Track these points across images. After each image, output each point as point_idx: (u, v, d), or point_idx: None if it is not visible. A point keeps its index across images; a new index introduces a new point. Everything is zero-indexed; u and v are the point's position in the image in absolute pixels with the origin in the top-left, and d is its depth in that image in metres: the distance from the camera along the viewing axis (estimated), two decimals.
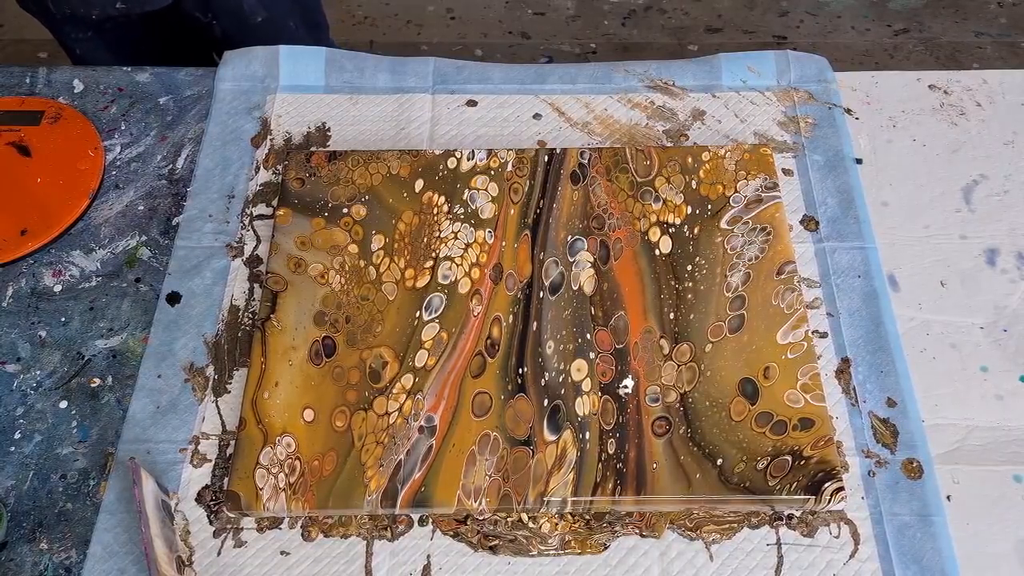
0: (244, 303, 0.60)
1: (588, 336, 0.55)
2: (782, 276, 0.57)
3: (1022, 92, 0.71)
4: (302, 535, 0.51)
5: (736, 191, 0.61)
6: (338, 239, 0.60)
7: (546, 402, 0.53)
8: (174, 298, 0.60)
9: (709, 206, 0.61)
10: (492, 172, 0.62)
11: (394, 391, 0.53)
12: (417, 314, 0.56)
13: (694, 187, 0.61)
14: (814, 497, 0.49)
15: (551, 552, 0.50)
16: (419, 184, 0.62)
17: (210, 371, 0.57)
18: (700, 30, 1.63)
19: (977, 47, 1.69)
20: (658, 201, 0.61)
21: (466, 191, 0.62)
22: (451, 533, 0.51)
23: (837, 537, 0.51)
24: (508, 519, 0.51)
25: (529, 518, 0.51)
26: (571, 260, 0.58)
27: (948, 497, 0.52)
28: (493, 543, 0.51)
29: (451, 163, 0.63)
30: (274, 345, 0.55)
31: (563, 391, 0.53)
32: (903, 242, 0.63)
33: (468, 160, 0.63)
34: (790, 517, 0.51)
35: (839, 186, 0.64)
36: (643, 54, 1.57)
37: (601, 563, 0.50)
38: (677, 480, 0.50)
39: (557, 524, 0.51)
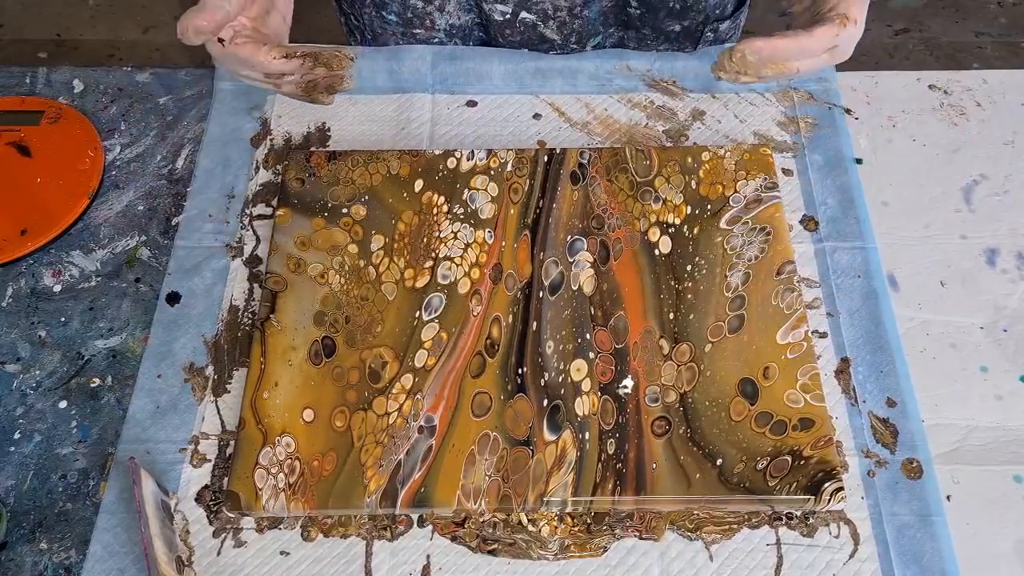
0: (244, 303, 0.60)
1: (588, 336, 0.55)
2: (782, 276, 0.57)
3: (1022, 92, 0.71)
4: (302, 535, 0.51)
5: (736, 191, 0.61)
6: (338, 239, 0.60)
7: (546, 402, 0.53)
8: (174, 298, 0.60)
9: (709, 206, 0.61)
10: (492, 172, 0.62)
11: (394, 391, 0.53)
12: (417, 314, 0.56)
13: (694, 187, 0.61)
14: (814, 497, 0.49)
15: (550, 556, 0.50)
16: (419, 184, 0.62)
17: (210, 371, 0.57)
18: None
19: (977, 47, 1.69)
20: (658, 201, 0.61)
21: (466, 191, 0.62)
22: (449, 536, 0.51)
23: (837, 537, 0.51)
24: (507, 521, 0.51)
25: (528, 521, 0.51)
26: (571, 260, 0.58)
27: (948, 497, 0.52)
28: (492, 547, 0.51)
29: (451, 163, 0.63)
30: (274, 345, 0.55)
31: (563, 391, 0.53)
32: (903, 242, 0.63)
33: (468, 160, 0.63)
34: (790, 517, 0.51)
35: (839, 186, 0.64)
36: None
37: (601, 563, 0.50)
38: (677, 480, 0.50)
39: (556, 527, 0.51)
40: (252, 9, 0.61)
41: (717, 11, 0.73)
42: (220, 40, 0.59)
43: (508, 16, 0.71)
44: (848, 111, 0.69)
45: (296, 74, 0.63)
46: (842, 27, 0.57)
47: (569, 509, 0.51)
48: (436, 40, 0.75)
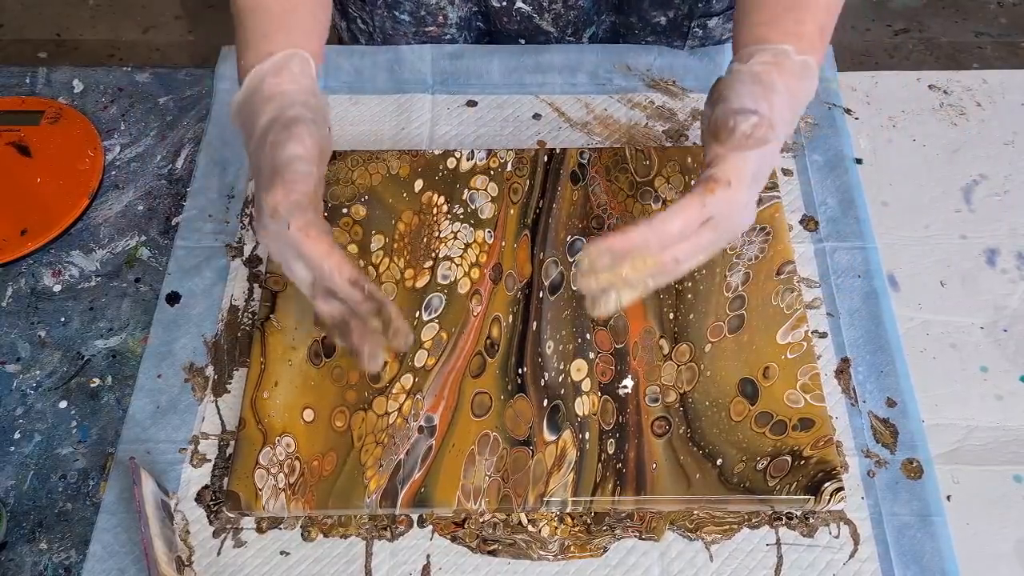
0: (244, 303, 0.60)
1: (588, 336, 0.55)
2: (782, 276, 0.57)
3: (1022, 92, 0.71)
4: (302, 535, 0.51)
5: None
6: (338, 239, 0.59)
7: (546, 402, 0.53)
8: (174, 298, 0.60)
9: None
10: (492, 172, 0.62)
11: (394, 391, 0.53)
12: (417, 314, 0.56)
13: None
14: (814, 497, 0.49)
15: (550, 557, 0.50)
16: (419, 184, 0.62)
17: (210, 371, 0.57)
18: None
19: (977, 47, 1.69)
20: (658, 201, 0.61)
21: (466, 191, 0.62)
22: (449, 537, 0.51)
23: (837, 537, 0.51)
24: (507, 522, 0.51)
25: (528, 521, 0.51)
26: (571, 260, 0.58)
27: (948, 497, 0.52)
28: (492, 547, 0.51)
29: (451, 163, 0.63)
30: (274, 345, 0.55)
31: (563, 391, 0.53)
32: (903, 242, 0.63)
33: (468, 160, 0.63)
34: (790, 517, 0.51)
35: (839, 186, 0.64)
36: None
37: (601, 563, 0.50)
38: (677, 480, 0.50)
39: (556, 528, 0.51)
40: (317, 171, 0.47)
41: (700, 4, 0.72)
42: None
43: (504, 3, 0.71)
44: (848, 111, 0.69)
45: (347, 305, 0.47)
46: (708, 193, 0.44)
47: (569, 509, 0.51)
48: (448, 37, 0.75)
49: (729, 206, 0.45)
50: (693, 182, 0.47)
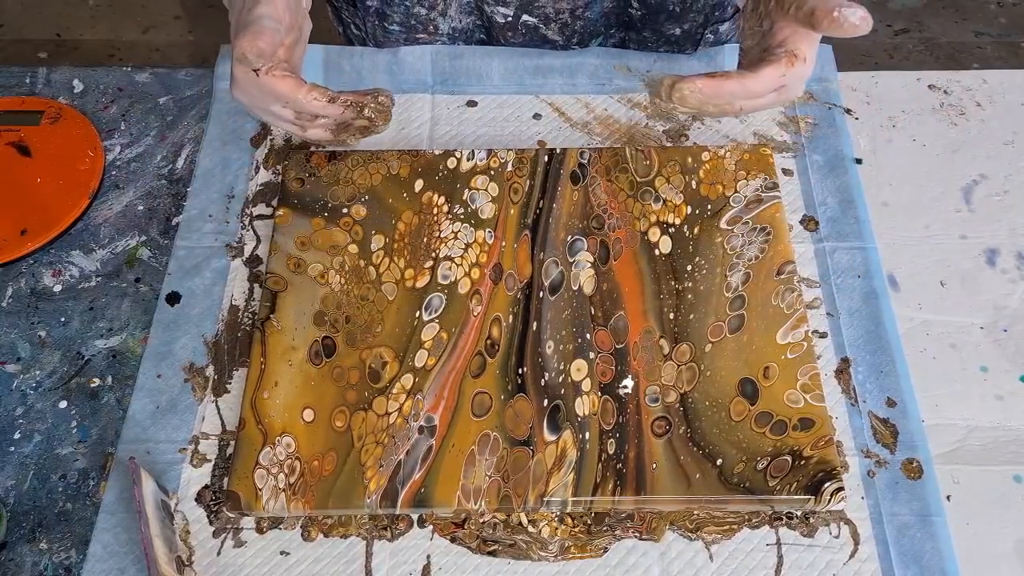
0: (244, 303, 0.60)
1: (588, 336, 0.55)
2: (782, 276, 0.57)
3: (1022, 92, 0.71)
4: (302, 535, 0.51)
5: (736, 191, 0.61)
6: (338, 239, 0.60)
7: (546, 402, 0.53)
8: (174, 298, 0.60)
9: (709, 206, 0.61)
10: (492, 172, 0.62)
11: (394, 391, 0.53)
12: (417, 314, 0.56)
13: (694, 187, 0.61)
14: (814, 497, 0.49)
15: (550, 557, 0.50)
16: (419, 184, 0.62)
17: (210, 371, 0.57)
18: None
19: (977, 47, 1.69)
20: (658, 201, 0.61)
21: (466, 191, 0.62)
22: (449, 537, 0.51)
23: (837, 537, 0.51)
24: (507, 522, 0.51)
25: (528, 521, 0.51)
26: (571, 260, 0.58)
27: (948, 497, 0.52)
28: (492, 548, 0.51)
29: (451, 163, 0.63)
30: (274, 345, 0.55)
31: (563, 391, 0.53)
32: (903, 242, 0.63)
33: (468, 160, 0.63)
34: (790, 517, 0.51)
35: (839, 186, 0.64)
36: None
37: (601, 563, 0.50)
38: (677, 480, 0.50)
39: (556, 528, 0.51)
40: (289, 36, 0.56)
41: (716, 13, 0.72)
42: (254, 69, 0.54)
43: (510, 19, 0.71)
44: (848, 111, 0.69)
45: (331, 118, 0.59)
46: (789, 66, 0.53)
47: (569, 509, 0.51)
48: (439, 43, 0.75)
49: (798, 78, 0.54)
50: (767, 55, 0.55)
